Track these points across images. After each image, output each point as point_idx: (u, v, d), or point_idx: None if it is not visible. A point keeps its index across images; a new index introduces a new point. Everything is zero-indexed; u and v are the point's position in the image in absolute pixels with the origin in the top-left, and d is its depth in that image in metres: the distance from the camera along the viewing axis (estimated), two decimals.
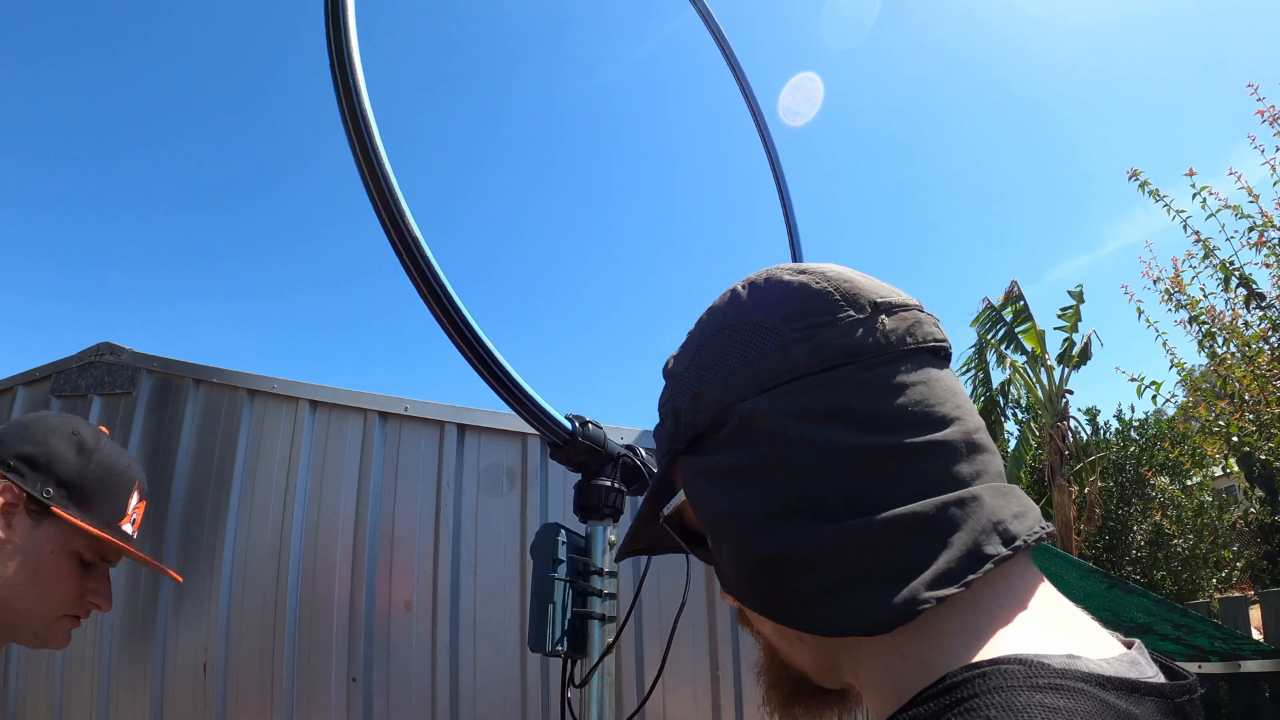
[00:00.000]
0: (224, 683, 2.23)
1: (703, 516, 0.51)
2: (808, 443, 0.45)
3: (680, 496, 0.54)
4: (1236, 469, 5.81)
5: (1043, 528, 0.44)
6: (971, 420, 0.47)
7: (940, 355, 0.49)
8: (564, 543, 0.82)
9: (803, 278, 0.50)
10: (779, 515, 0.45)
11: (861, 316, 0.47)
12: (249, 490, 2.38)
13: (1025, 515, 0.44)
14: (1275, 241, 5.06)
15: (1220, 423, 5.26)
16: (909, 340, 0.47)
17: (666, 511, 0.55)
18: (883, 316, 0.47)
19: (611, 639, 0.83)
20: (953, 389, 0.48)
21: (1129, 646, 0.41)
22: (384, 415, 2.33)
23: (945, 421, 0.45)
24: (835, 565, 0.43)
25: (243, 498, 2.38)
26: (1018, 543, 0.42)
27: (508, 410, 2.40)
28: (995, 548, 0.41)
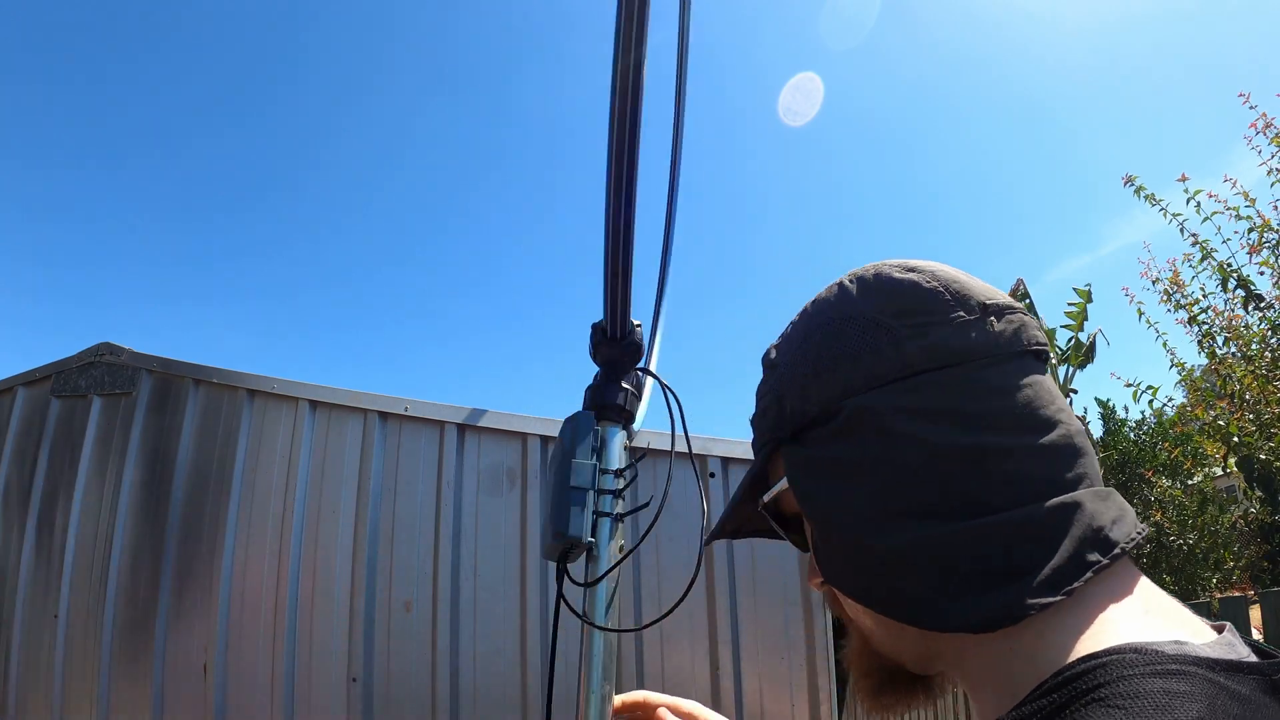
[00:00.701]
0: (224, 683, 2.23)
1: (808, 509, 0.52)
2: (919, 442, 0.46)
3: (781, 485, 0.55)
4: (1236, 470, 5.81)
5: (1139, 532, 0.45)
6: (1073, 423, 0.48)
7: (1041, 358, 0.50)
8: (599, 433, 0.79)
9: (913, 275, 0.50)
10: (888, 514, 0.47)
11: (972, 318, 0.48)
12: (249, 490, 2.38)
13: (1123, 520, 0.45)
14: (1274, 243, 5.06)
15: (1220, 422, 5.26)
16: (1016, 343, 0.48)
17: (766, 499, 0.57)
18: (992, 318, 0.48)
19: (622, 544, 0.80)
20: (1054, 392, 0.49)
21: (1219, 631, 0.43)
22: (384, 415, 2.33)
23: (1050, 425, 0.47)
24: (943, 565, 0.45)
25: (243, 498, 2.38)
26: (1116, 550, 0.43)
27: (508, 410, 2.38)
28: (1095, 555, 0.43)
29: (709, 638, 2.02)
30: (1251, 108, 5.17)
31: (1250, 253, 5.12)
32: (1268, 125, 5.11)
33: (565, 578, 0.77)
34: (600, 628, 0.75)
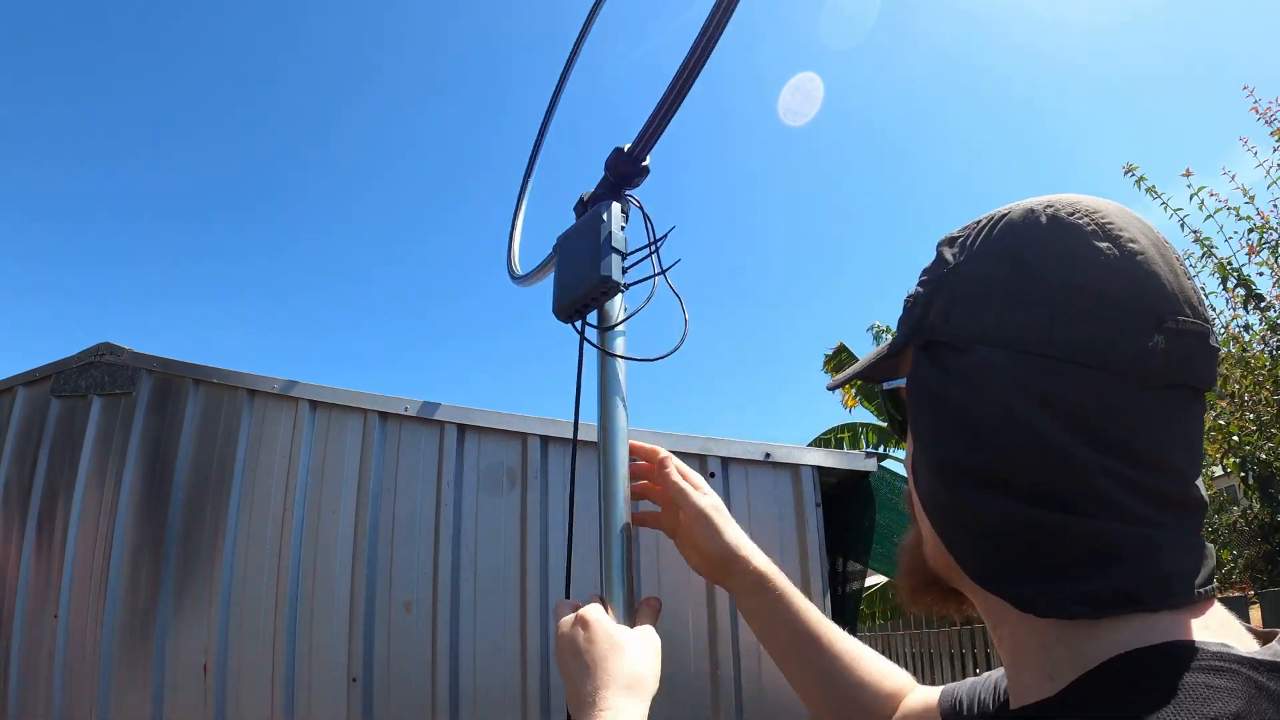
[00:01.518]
0: (224, 683, 2.23)
1: (914, 428, 0.54)
2: (1032, 430, 0.46)
3: (901, 383, 0.56)
4: (1235, 470, 5.80)
5: (1204, 591, 0.45)
6: (1192, 471, 0.47)
7: (1200, 394, 0.48)
8: (619, 217, 0.94)
9: (1107, 249, 0.46)
10: (978, 478, 0.48)
11: (1142, 328, 0.45)
12: (249, 490, 2.38)
13: (1190, 575, 0.45)
14: (1274, 242, 5.05)
15: (1221, 422, 5.26)
16: (1176, 374, 0.45)
17: (887, 387, 0.58)
18: (1161, 338, 0.45)
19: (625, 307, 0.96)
20: (1191, 436, 0.47)
21: (1268, 639, 0.44)
22: (384, 415, 2.33)
23: (1166, 469, 0.46)
24: (1005, 539, 0.47)
25: (243, 498, 2.38)
26: (1170, 601, 0.44)
27: (508, 410, 2.38)
28: (1145, 597, 0.43)
29: (709, 635, 2.02)
30: (1255, 99, 5.16)
31: (1250, 253, 5.11)
32: (1272, 118, 5.10)
33: (586, 325, 0.95)
34: (617, 355, 0.93)
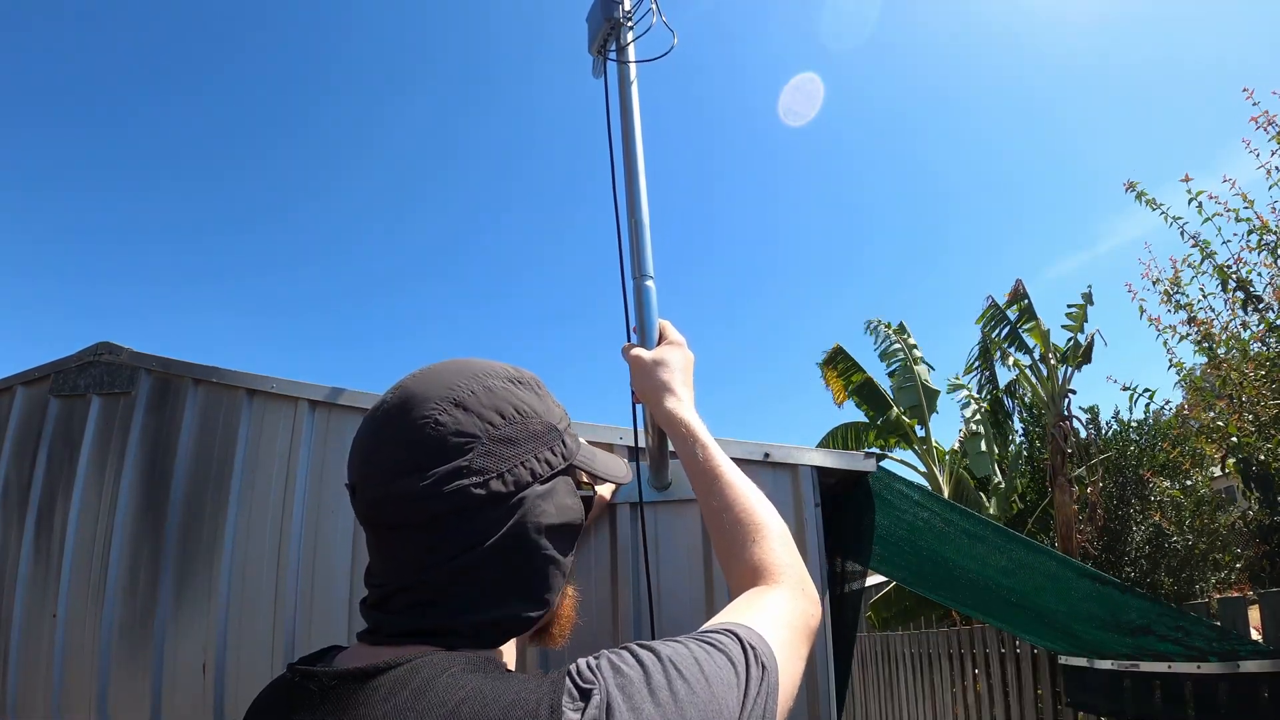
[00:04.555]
0: (224, 682, 2.23)
1: None
2: None
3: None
4: (1234, 471, 5.80)
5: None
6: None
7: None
8: None
9: None
10: None
11: None
12: (248, 490, 2.38)
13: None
14: (1273, 244, 5.05)
15: (1219, 422, 5.26)
16: None
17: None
18: None
19: None
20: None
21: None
22: None
23: None
24: None
25: (242, 497, 2.38)
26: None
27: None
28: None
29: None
30: (1254, 103, 5.15)
31: (1256, 249, 5.09)
32: (1270, 122, 5.09)
33: None
34: (629, 61, 1.30)
